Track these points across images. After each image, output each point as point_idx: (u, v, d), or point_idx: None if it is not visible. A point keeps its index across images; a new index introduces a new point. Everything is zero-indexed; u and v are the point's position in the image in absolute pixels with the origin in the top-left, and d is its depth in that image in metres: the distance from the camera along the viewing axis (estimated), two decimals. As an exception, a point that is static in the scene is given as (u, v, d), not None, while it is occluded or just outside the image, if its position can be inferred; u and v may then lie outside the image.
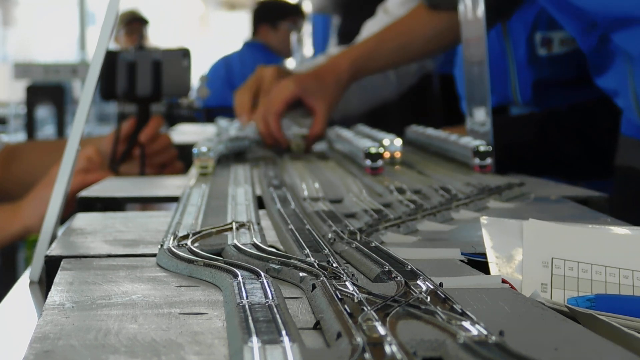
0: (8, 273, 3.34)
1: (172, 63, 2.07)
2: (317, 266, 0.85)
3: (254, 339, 0.60)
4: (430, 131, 2.05)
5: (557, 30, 2.15)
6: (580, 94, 2.13)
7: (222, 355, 0.64)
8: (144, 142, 2.01)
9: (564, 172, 2.09)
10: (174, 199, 1.38)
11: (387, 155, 1.78)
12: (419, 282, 0.78)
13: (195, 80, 4.95)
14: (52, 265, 0.97)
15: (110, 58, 2.04)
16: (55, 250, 1.03)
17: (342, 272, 0.82)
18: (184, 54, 2.09)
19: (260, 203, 1.33)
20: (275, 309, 0.68)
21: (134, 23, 6.79)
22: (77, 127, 1.20)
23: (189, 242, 0.99)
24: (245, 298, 0.72)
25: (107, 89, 2.06)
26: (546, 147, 2.06)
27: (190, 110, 5.43)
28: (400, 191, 1.39)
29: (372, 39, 2.33)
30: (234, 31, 12.54)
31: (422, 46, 2.28)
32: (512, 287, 0.85)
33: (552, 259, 0.89)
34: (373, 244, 0.97)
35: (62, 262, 0.96)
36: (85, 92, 1.21)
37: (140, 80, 2.05)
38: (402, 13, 2.45)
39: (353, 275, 0.84)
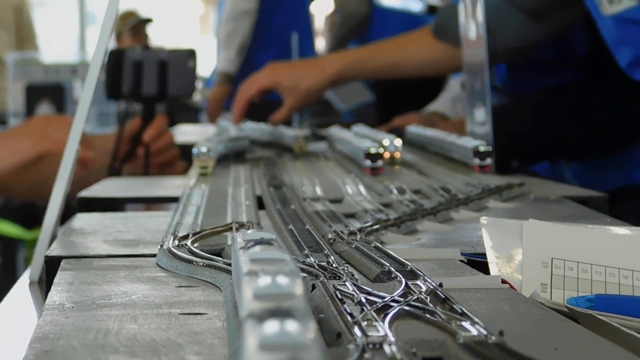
0: (8, 273, 3.35)
1: (178, 63, 2.07)
2: (317, 266, 0.85)
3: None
4: (430, 131, 2.05)
5: None
6: (556, 77, 2.07)
7: (222, 355, 0.64)
8: (148, 141, 2.00)
9: (565, 154, 2.04)
10: (174, 199, 1.38)
11: (387, 155, 1.78)
12: (419, 282, 0.78)
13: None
14: (52, 266, 0.97)
15: (117, 57, 2.04)
16: (55, 250, 1.03)
17: (342, 272, 0.82)
18: (190, 54, 2.08)
19: (260, 203, 1.33)
20: (275, 309, 0.68)
21: (138, 24, 6.79)
22: (77, 127, 1.20)
23: (188, 242, 0.99)
24: (245, 298, 0.72)
25: (112, 88, 2.06)
26: (545, 131, 2.01)
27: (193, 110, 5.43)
28: (400, 191, 1.39)
29: (366, 50, 2.38)
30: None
31: (412, 69, 2.30)
32: (512, 287, 0.85)
33: (552, 259, 0.89)
34: (373, 244, 0.97)
35: (62, 262, 0.96)
36: (85, 92, 1.21)
37: (146, 79, 2.05)
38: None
39: (353, 275, 0.84)
